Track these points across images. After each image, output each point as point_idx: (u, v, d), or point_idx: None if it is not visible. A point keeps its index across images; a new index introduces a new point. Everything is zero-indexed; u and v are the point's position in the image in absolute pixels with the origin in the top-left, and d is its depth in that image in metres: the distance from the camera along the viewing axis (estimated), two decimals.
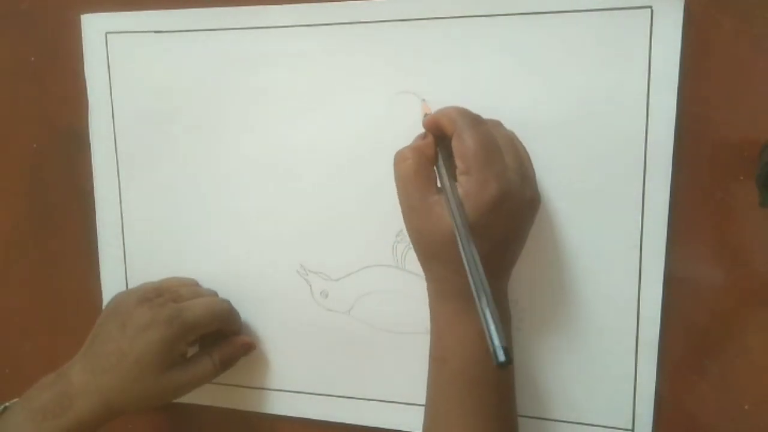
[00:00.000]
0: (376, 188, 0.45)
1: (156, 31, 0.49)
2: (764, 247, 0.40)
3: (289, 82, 0.46)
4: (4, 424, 0.42)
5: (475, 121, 0.37)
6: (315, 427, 0.50)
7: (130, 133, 0.51)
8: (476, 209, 0.35)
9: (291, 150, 0.47)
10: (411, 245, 0.40)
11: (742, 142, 0.40)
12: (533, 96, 0.42)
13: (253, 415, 0.51)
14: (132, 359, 0.43)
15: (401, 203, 0.39)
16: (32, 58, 0.53)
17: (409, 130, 0.41)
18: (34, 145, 0.54)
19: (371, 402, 0.48)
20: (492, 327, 0.32)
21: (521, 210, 0.38)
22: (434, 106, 0.40)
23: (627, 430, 0.43)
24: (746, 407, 0.42)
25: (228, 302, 0.49)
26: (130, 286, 0.52)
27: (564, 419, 0.45)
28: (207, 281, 0.51)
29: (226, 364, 0.47)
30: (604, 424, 0.44)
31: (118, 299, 0.47)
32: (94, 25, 0.50)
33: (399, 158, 0.39)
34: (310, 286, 0.48)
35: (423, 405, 0.41)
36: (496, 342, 0.31)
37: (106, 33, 0.50)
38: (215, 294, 0.50)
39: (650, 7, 0.39)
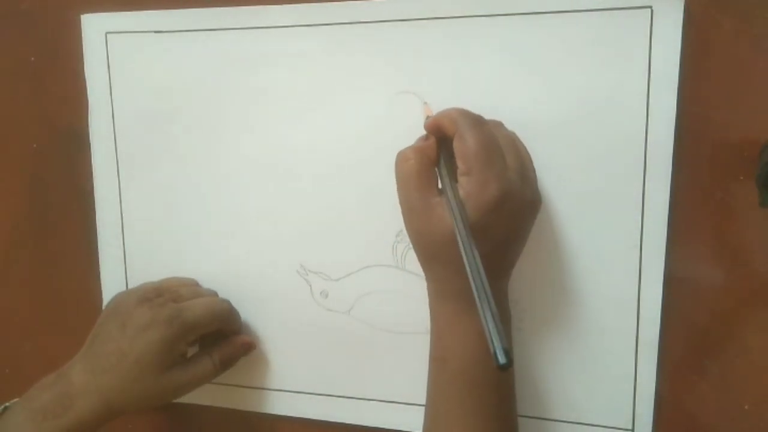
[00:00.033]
0: (376, 188, 0.45)
1: (156, 31, 0.49)
2: (764, 247, 0.40)
3: (289, 82, 0.46)
4: (4, 424, 0.42)
5: (476, 121, 0.37)
6: (315, 427, 0.50)
7: (130, 133, 0.51)
8: (477, 210, 0.35)
9: (291, 150, 0.47)
10: (411, 245, 0.40)
11: (742, 142, 0.40)
12: (533, 96, 0.42)
13: (253, 415, 0.51)
14: (132, 359, 0.43)
15: (402, 204, 0.39)
16: (32, 58, 0.53)
17: (409, 130, 0.41)
18: (34, 145, 0.54)
19: (371, 402, 0.48)
20: (492, 328, 0.32)
21: (522, 210, 0.38)
22: (434, 106, 0.40)
23: (627, 430, 0.43)
24: (746, 407, 0.42)
25: (228, 302, 0.49)
26: (130, 286, 0.52)
27: (564, 419, 0.45)
28: (207, 281, 0.51)
29: (226, 364, 0.47)
30: (604, 424, 0.44)
31: (118, 299, 0.47)
32: (94, 25, 0.50)
33: (401, 159, 0.38)
34: (310, 286, 0.48)
35: (423, 405, 0.41)
36: (497, 344, 0.31)
37: (106, 33, 0.50)
38: (215, 294, 0.50)
39: (650, 7, 0.39)
